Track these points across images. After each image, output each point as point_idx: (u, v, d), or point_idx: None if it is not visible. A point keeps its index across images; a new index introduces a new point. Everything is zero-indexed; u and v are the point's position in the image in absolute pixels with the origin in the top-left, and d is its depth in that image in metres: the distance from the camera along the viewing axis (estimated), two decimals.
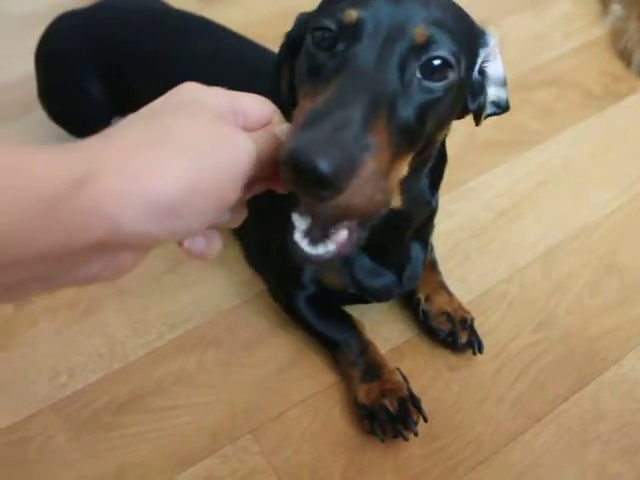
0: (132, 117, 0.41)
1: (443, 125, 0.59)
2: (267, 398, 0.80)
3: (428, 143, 0.58)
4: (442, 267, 0.90)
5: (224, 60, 0.92)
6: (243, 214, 0.48)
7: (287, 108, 0.56)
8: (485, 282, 0.92)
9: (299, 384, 0.82)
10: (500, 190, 1.06)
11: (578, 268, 0.93)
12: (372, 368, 0.77)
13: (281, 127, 0.48)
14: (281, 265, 0.83)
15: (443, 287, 0.86)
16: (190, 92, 0.44)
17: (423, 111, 0.52)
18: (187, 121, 0.40)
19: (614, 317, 0.87)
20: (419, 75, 0.51)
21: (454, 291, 0.87)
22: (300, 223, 0.49)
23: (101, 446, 0.77)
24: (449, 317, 0.82)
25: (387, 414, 0.73)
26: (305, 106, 0.49)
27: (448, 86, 0.53)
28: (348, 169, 0.42)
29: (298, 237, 0.49)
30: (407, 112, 0.51)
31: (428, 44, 0.51)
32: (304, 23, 0.60)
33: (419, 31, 0.51)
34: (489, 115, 0.66)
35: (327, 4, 0.57)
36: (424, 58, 0.51)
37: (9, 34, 1.57)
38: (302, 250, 0.49)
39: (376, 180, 0.45)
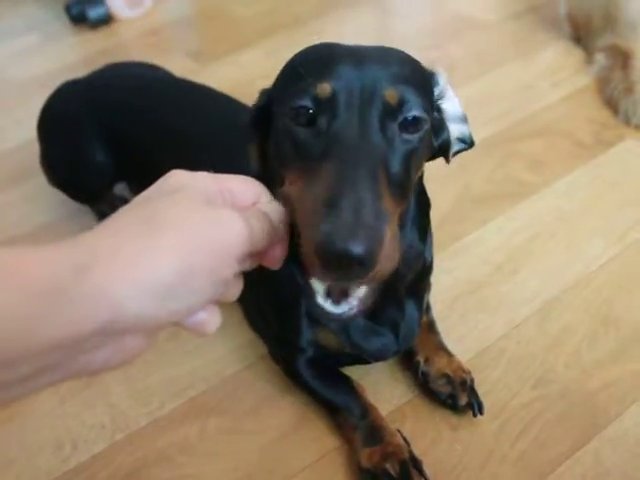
0: (125, 207, 0.43)
1: (420, 168, 0.62)
2: (271, 465, 0.81)
3: (411, 185, 0.61)
4: (440, 325, 0.91)
5: (222, 125, 0.95)
6: (239, 287, 0.49)
7: (261, 181, 0.60)
8: (483, 339, 0.92)
9: (303, 449, 0.82)
10: (495, 244, 1.08)
11: (575, 321, 0.94)
12: (373, 431, 0.77)
13: (270, 206, 0.50)
14: (278, 329, 0.84)
15: (442, 348, 0.86)
16: (177, 179, 0.46)
17: (407, 161, 0.56)
18: (177, 206, 0.42)
19: (613, 370, 0.88)
20: (398, 131, 0.56)
21: (452, 349, 0.87)
22: (318, 286, 0.53)
23: None
24: (449, 379, 0.82)
25: (389, 478, 0.73)
26: (303, 190, 0.52)
27: (423, 135, 0.57)
28: (378, 242, 0.46)
29: (321, 300, 0.53)
30: (396, 166, 0.55)
31: (400, 104, 0.55)
32: (268, 97, 0.63)
33: (389, 93, 0.55)
34: (457, 152, 0.69)
35: (290, 82, 0.59)
36: (400, 118, 0.56)
37: (8, 100, 1.61)
38: (327, 311, 0.53)
39: (395, 242, 0.49)
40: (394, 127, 0.55)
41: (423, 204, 0.73)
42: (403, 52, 0.62)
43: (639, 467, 0.77)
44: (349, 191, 0.47)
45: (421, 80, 0.61)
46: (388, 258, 0.47)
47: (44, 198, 1.22)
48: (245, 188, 0.49)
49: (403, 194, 0.56)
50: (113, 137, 1.04)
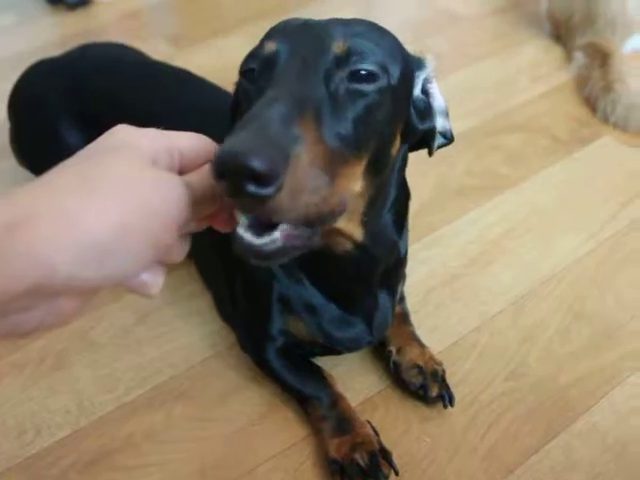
0: (66, 162, 0.42)
1: (385, 132, 0.58)
2: (238, 453, 0.79)
3: (378, 155, 0.57)
4: (413, 316, 0.91)
5: (198, 109, 0.93)
6: (184, 249, 0.48)
7: None
8: (456, 331, 0.92)
9: (270, 438, 0.81)
10: (471, 237, 1.07)
11: (548, 316, 0.94)
12: (342, 422, 0.76)
13: None
14: (249, 317, 0.82)
15: (414, 339, 0.86)
16: (122, 135, 0.45)
17: (356, 113, 0.53)
18: (118, 164, 0.40)
19: (584, 365, 0.88)
20: (347, 81, 0.53)
21: (425, 341, 0.87)
22: (242, 219, 0.47)
23: None
24: (420, 370, 0.81)
25: (358, 469, 0.72)
26: None
27: (379, 88, 0.54)
28: (281, 159, 0.41)
29: (241, 230, 0.46)
30: (339, 114, 0.51)
31: (349, 55, 0.53)
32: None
33: (338, 44, 0.53)
34: (439, 146, 0.68)
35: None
36: (348, 70, 0.53)
37: None
38: (246, 242, 0.46)
39: (315, 176, 0.45)
40: (341, 77, 0.53)
41: (403, 194, 0.72)
42: (381, 27, 0.60)
43: (608, 461, 0.78)
44: (261, 113, 0.44)
45: (391, 46, 0.59)
46: (305, 189, 0.43)
47: (19, 178, 1.19)
48: (196, 145, 0.47)
49: (353, 148, 0.52)
50: (86, 117, 1.01)
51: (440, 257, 1.04)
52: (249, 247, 0.46)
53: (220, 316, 0.93)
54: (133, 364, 0.89)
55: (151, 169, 0.42)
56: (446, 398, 0.80)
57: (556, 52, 1.56)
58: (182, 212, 0.42)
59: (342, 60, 0.53)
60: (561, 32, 1.58)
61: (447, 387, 0.81)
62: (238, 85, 0.62)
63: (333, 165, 0.48)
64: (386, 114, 0.57)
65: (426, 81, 0.64)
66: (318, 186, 0.45)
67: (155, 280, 0.44)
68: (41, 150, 1.07)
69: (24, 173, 1.12)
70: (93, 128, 1.00)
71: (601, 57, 1.41)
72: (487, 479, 0.76)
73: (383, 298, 0.78)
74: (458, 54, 1.56)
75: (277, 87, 0.49)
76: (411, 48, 0.64)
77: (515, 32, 1.65)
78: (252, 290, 0.80)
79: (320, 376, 0.82)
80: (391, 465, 0.73)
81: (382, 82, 0.55)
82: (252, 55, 0.56)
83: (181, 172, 0.46)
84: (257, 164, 0.39)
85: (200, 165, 0.47)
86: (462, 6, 1.78)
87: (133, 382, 0.87)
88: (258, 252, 0.46)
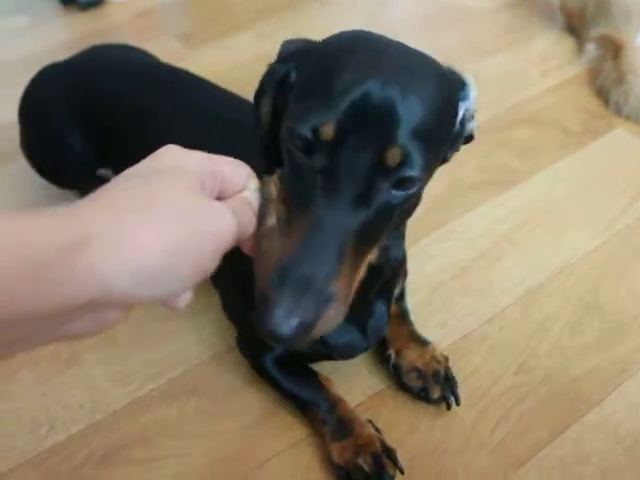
0: (116, 181, 0.43)
1: (412, 211, 0.61)
2: (249, 448, 0.80)
3: (399, 226, 0.61)
4: (423, 310, 0.91)
5: (208, 114, 0.93)
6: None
7: (264, 141, 0.60)
8: (465, 325, 0.92)
9: (281, 433, 0.81)
10: (481, 231, 1.07)
11: (558, 309, 0.94)
12: (342, 424, 0.76)
13: (257, 194, 0.52)
14: (249, 325, 0.82)
15: (414, 339, 0.84)
16: (171, 156, 0.46)
17: (387, 216, 0.54)
18: (171, 188, 0.42)
19: (595, 358, 0.87)
20: (386, 188, 0.52)
21: (434, 335, 0.87)
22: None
23: None
24: (420, 373, 0.81)
25: (363, 474, 0.72)
26: (280, 225, 0.52)
27: (412, 194, 0.53)
28: (308, 330, 0.48)
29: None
30: (374, 226, 0.53)
31: (401, 165, 0.51)
32: (288, 58, 0.58)
33: (393, 154, 0.50)
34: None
35: (309, 80, 0.55)
36: (394, 178, 0.51)
37: None
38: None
39: (336, 315, 0.51)
40: (385, 185, 0.51)
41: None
42: (438, 69, 0.57)
43: (619, 453, 0.78)
44: (305, 266, 0.48)
45: (445, 114, 0.56)
46: (322, 330, 0.50)
47: (28, 180, 1.20)
48: (236, 172, 0.50)
49: (374, 243, 0.56)
50: (95, 122, 1.01)
51: (450, 251, 1.03)
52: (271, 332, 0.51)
53: (226, 315, 0.93)
54: (146, 359, 0.89)
55: (203, 197, 0.44)
56: (450, 399, 0.80)
57: (568, 44, 1.54)
58: (230, 241, 0.45)
59: (390, 169, 0.51)
60: (574, 24, 1.56)
61: (451, 386, 0.81)
62: (286, 143, 0.55)
63: (353, 282, 0.54)
64: (416, 199, 0.58)
65: (467, 112, 0.60)
66: (334, 321, 0.51)
67: (186, 296, 0.46)
68: (49, 154, 1.08)
69: (35, 176, 1.13)
70: (103, 132, 1.02)
71: (614, 49, 1.40)
72: (496, 473, 0.76)
73: (379, 305, 0.77)
74: (469, 49, 1.55)
75: (323, 221, 0.50)
76: (414, 46, 0.59)
77: (527, 25, 1.63)
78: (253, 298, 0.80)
79: (316, 381, 0.81)
80: (396, 464, 0.73)
81: (417, 186, 0.53)
82: (307, 119, 0.51)
83: (220, 196, 0.48)
84: (287, 337, 0.47)
85: (236, 191, 0.50)
86: (473, 0, 1.77)
87: (146, 377, 0.87)
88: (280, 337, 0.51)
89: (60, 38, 1.77)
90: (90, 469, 0.79)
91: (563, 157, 1.22)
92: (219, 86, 1.02)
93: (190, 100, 0.97)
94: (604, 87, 1.36)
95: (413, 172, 0.51)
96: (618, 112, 1.32)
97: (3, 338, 0.36)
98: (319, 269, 0.48)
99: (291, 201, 0.53)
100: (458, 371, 0.83)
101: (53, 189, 1.15)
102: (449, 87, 0.57)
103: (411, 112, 0.51)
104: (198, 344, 0.92)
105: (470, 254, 1.03)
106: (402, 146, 0.50)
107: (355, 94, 0.50)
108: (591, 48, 1.45)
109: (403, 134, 0.50)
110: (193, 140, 0.89)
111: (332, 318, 0.50)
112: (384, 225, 0.55)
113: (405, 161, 0.51)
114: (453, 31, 1.64)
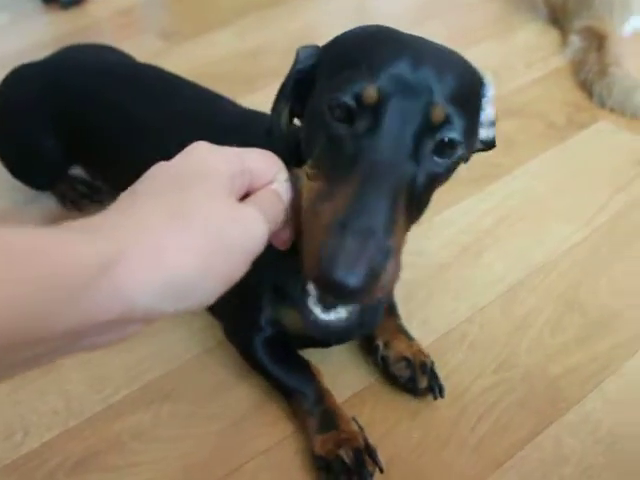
0: (143, 188, 0.43)
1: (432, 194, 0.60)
2: (226, 451, 0.79)
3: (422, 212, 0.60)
4: (404, 308, 0.89)
5: (184, 113, 0.91)
6: None
7: (283, 143, 0.60)
8: (446, 322, 0.91)
9: (258, 435, 0.80)
10: (462, 226, 1.06)
11: (539, 305, 0.93)
12: (328, 418, 0.76)
13: (285, 185, 0.52)
14: (239, 306, 0.81)
15: (402, 332, 0.84)
16: (200, 155, 0.45)
17: (432, 185, 0.55)
18: (201, 196, 0.42)
19: (575, 355, 0.86)
20: (430, 153, 0.53)
21: (416, 332, 0.86)
22: (313, 290, 0.53)
23: None
24: (408, 363, 0.80)
25: (342, 465, 0.71)
26: (320, 197, 0.51)
27: (455, 161, 0.55)
28: (376, 281, 0.45)
29: (311, 303, 0.53)
30: (420, 191, 0.53)
31: (443, 124, 0.52)
32: (318, 58, 0.59)
33: (437, 112, 0.52)
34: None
35: (339, 62, 0.56)
36: (438, 138, 0.53)
37: None
38: (315, 315, 0.53)
39: (396, 269, 0.49)
40: (429, 147, 0.53)
41: None
42: (463, 58, 0.59)
43: (598, 452, 0.77)
44: (363, 217, 0.47)
45: (473, 99, 0.58)
46: (384, 288, 0.47)
47: (1, 181, 1.18)
48: (264, 166, 0.49)
49: (418, 216, 0.57)
50: (68, 122, 1.00)
51: (431, 247, 1.02)
52: (316, 320, 0.53)
53: (208, 310, 0.92)
54: (122, 363, 0.88)
55: (234, 203, 0.44)
56: (436, 389, 0.80)
57: (552, 36, 1.53)
58: (261, 248, 0.44)
59: (435, 128, 0.53)
60: (557, 15, 1.55)
61: (436, 378, 0.80)
62: (322, 117, 0.55)
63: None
64: (452, 172, 0.58)
65: (489, 114, 0.61)
66: (392, 281, 0.49)
67: None
68: (20, 155, 1.07)
69: (8, 176, 1.11)
70: (76, 132, 1.00)
71: (597, 40, 1.39)
72: (475, 473, 0.75)
73: None
74: (455, 38, 1.53)
75: (374, 175, 0.50)
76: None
77: (510, 16, 1.62)
78: (244, 278, 0.79)
79: (307, 370, 0.80)
80: (376, 462, 0.73)
81: (460, 152, 0.54)
82: (348, 87, 0.52)
83: (248, 190, 0.48)
84: (356, 287, 0.44)
85: (265, 183, 0.49)
86: None
87: (121, 382, 0.86)
88: (326, 327, 0.53)
89: (41, 36, 1.75)
90: (63, 476, 0.78)
91: (546, 150, 1.21)
92: (197, 84, 1.01)
93: (166, 99, 0.96)
94: (588, 79, 1.35)
95: (455, 134, 0.53)
96: (602, 104, 1.31)
97: (23, 356, 0.35)
98: (377, 219, 0.47)
99: (331, 175, 0.52)
100: (438, 368, 0.82)
101: (30, 192, 1.13)
102: (476, 77, 0.60)
103: (447, 84, 0.53)
104: (176, 345, 0.90)
105: (452, 249, 1.02)
106: (445, 106, 0.52)
107: (394, 63, 0.52)
108: (575, 40, 1.44)
109: (444, 97, 0.52)
110: (168, 139, 0.88)
111: (391, 275, 0.48)
112: (427, 194, 0.56)
113: (448, 120, 0.52)
114: (440, 20, 1.64)
